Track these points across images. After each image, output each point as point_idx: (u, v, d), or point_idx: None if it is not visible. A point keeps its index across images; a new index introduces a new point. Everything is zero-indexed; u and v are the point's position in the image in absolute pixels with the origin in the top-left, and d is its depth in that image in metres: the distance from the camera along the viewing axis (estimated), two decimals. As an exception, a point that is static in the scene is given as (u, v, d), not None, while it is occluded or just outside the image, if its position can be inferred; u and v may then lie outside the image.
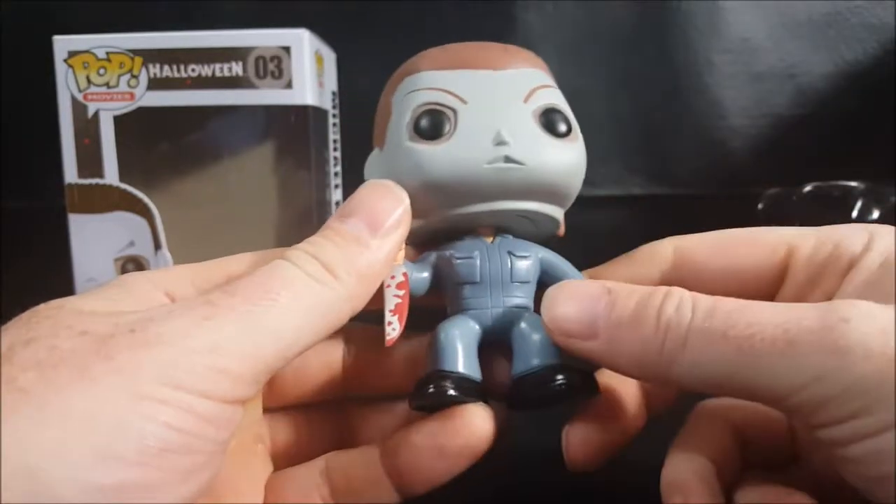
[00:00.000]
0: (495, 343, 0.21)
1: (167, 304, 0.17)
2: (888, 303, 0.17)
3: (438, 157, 0.20)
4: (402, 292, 0.21)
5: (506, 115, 0.21)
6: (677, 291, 0.18)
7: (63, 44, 0.38)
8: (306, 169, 0.39)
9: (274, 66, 0.37)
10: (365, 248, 0.19)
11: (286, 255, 0.18)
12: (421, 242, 0.23)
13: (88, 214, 0.39)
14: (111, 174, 0.39)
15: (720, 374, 0.17)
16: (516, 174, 0.21)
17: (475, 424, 0.20)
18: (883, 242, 0.19)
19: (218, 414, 0.16)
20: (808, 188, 0.56)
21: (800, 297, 0.21)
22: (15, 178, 0.70)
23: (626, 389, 0.23)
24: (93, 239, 0.39)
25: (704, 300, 0.18)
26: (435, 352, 0.21)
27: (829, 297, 0.20)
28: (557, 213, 0.23)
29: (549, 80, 0.23)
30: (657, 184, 0.73)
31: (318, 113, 0.40)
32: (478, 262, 0.22)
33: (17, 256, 0.53)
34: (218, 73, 0.38)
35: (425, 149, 0.21)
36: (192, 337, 0.16)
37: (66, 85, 0.38)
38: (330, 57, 0.43)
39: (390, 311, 0.20)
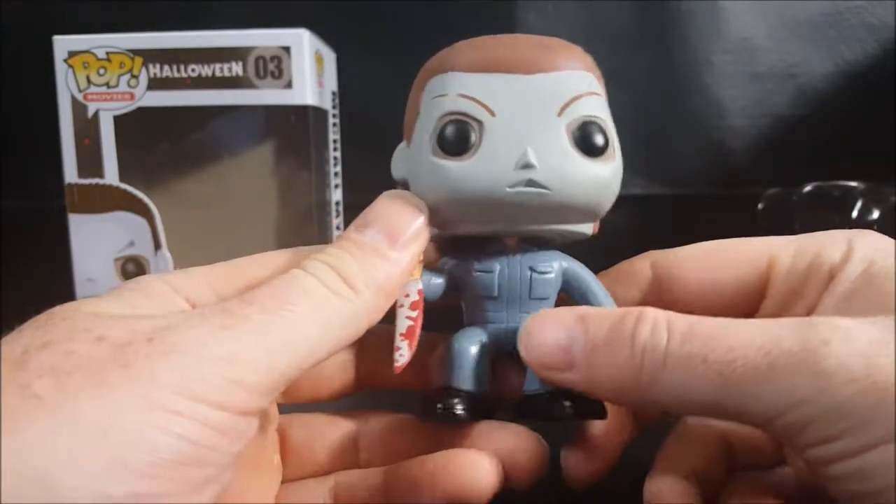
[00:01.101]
0: (509, 354, 0.21)
1: (185, 311, 0.17)
2: (870, 314, 0.17)
3: (460, 175, 0.19)
4: (415, 313, 0.20)
5: (535, 131, 0.19)
6: (650, 313, 0.18)
7: (63, 44, 0.38)
8: (306, 169, 0.39)
9: (274, 66, 0.37)
10: (384, 261, 0.19)
11: (304, 266, 0.18)
12: (442, 244, 0.23)
13: (88, 214, 0.39)
14: (111, 174, 0.39)
15: (702, 399, 0.17)
16: (538, 199, 0.19)
17: (474, 476, 0.20)
18: (862, 251, 0.19)
19: (232, 426, 0.16)
20: (808, 188, 0.56)
21: (782, 309, 0.21)
22: (15, 178, 0.70)
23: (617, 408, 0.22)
24: (93, 239, 0.39)
25: (680, 322, 0.17)
26: (448, 365, 0.21)
27: (812, 309, 0.20)
28: (586, 228, 0.22)
29: (591, 83, 0.21)
30: (657, 184, 0.73)
31: (318, 113, 0.40)
32: (496, 276, 0.21)
33: (16, 256, 0.53)
34: (218, 73, 0.38)
35: (447, 165, 0.20)
36: (209, 346, 0.16)
37: (66, 85, 0.38)
38: (330, 57, 0.43)
39: (401, 334, 0.20)
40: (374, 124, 0.63)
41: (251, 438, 0.17)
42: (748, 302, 0.21)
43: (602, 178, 0.20)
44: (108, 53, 0.38)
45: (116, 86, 0.38)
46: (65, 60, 0.38)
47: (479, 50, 0.21)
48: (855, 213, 0.51)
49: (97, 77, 0.38)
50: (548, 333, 0.19)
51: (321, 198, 0.41)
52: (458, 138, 0.20)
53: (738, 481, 0.21)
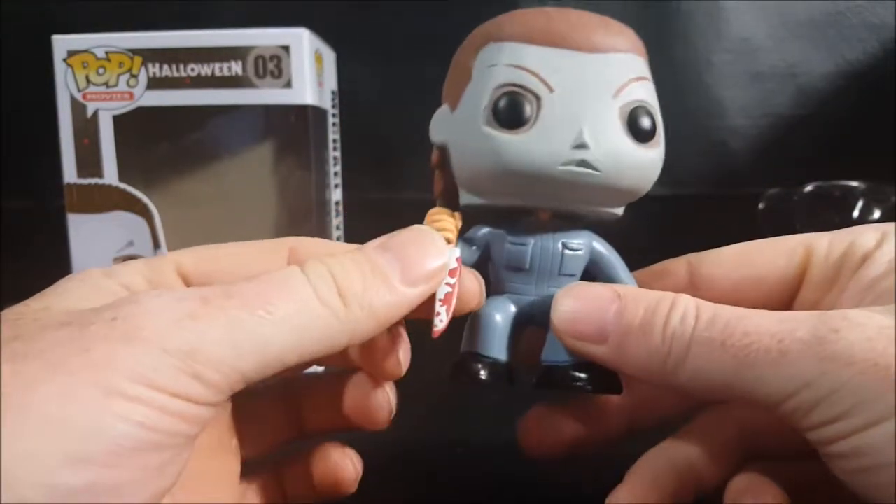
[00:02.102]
0: (531, 324, 0.22)
1: (159, 292, 0.17)
2: (886, 302, 0.17)
3: (513, 149, 0.19)
4: (453, 280, 0.20)
5: (592, 110, 0.19)
6: (683, 300, 0.19)
7: (62, 43, 0.38)
8: (306, 169, 0.39)
9: (273, 66, 0.37)
10: (389, 290, 0.18)
11: (305, 266, 0.18)
12: (475, 213, 0.22)
13: (87, 214, 0.39)
14: (110, 174, 0.39)
15: (720, 382, 0.18)
16: (588, 179, 0.20)
17: (340, 474, 0.22)
18: (892, 242, 0.20)
19: (191, 412, 0.16)
20: (808, 188, 0.56)
21: (818, 299, 0.21)
22: (14, 178, 0.69)
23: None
24: (92, 239, 0.39)
25: (707, 309, 0.18)
26: (474, 331, 0.22)
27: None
28: (620, 210, 0.22)
29: (644, 69, 0.21)
30: (657, 184, 0.73)
31: (318, 112, 0.40)
32: (530, 249, 0.21)
33: (16, 256, 0.53)
34: (217, 73, 0.38)
35: (501, 137, 0.19)
36: (172, 336, 0.15)
37: (66, 84, 0.38)
38: (330, 57, 0.43)
39: (440, 300, 0.20)
40: (373, 124, 0.63)
41: (211, 421, 0.17)
42: (785, 295, 0.22)
43: (648, 163, 0.20)
44: (107, 53, 0.38)
45: (116, 85, 0.38)
46: (64, 60, 0.38)
47: (540, 20, 0.20)
48: (856, 213, 0.51)
49: (96, 77, 0.38)
50: (583, 305, 0.20)
51: (321, 197, 0.41)
52: (514, 111, 0.19)
53: (748, 470, 0.21)
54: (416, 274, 0.19)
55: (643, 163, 0.20)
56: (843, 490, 0.17)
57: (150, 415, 0.15)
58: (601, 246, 0.22)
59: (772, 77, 0.70)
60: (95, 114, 0.39)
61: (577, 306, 0.20)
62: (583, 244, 0.22)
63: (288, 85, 0.37)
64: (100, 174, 0.39)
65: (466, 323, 0.22)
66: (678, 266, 0.23)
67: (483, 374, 0.21)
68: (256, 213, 0.39)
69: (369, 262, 0.18)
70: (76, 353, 0.15)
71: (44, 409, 0.14)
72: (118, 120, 0.38)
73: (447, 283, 0.20)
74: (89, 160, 0.39)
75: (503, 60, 0.20)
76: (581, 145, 0.19)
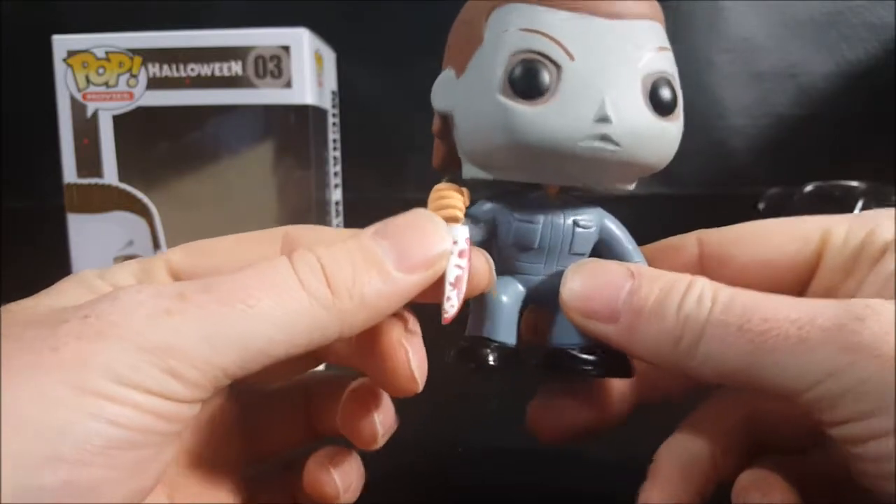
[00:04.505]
0: (539, 305, 0.21)
1: (134, 287, 0.16)
2: None
3: (530, 121, 0.18)
4: (463, 261, 0.19)
5: (614, 81, 0.18)
6: (699, 282, 0.18)
7: (62, 43, 0.38)
8: (306, 169, 0.39)
9: (273, 66, 0.37)
10: (383, 277, 0.17)
11: (293, 256, 0.17)
12: (481, 186, 0.21)
13: (87, 214, 0.39)
14: (110, 174, 0.39)
15: (735, 368, 0.17)
16: (608, 155, 0.18)
17: (321, 490, 0.21)
18: None
19: (168, 410, 0.15)
20: (808, 188, 0.56)
21: (832, 286, 0.20)
22: (14, 178, 0.69)
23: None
24: (92, 239, 0.39)
25: (724, 292, 0.18)
26: (481, 314, 0.21)
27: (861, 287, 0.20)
28: (633, 185, 0.21)
29: (665, 38, 0.20)
30: (657, 184, 0.73)
31: (318, 112, 0.40)
32: (540, 227, 0.20)
33: (15, 256, 0.53)
34: (217, 73, 0.37)
35: (518, 109, 0.18)
36: (146, 333, 0.15)
37: (66, 84, 0.38)
38: (330, 57, 0.43)
39: (450, 283, 0.18)
40: (374, 124, 0.63)
41: (194, 417, 0.16)
42: (798, 280, 0.21)
43: (669, 137, 0.19)
44: (107, 53, 0.38)
45: (115, 85, 0.38)
46: (64, 60, 0.38)
47: None
48: (856, 213, 0.51)
49: (96, 76, 0.38)
50: (595, 282, 0.19)
51: (321, 197, 0.41)
52: (532, 80, 0.18)
53: (757, 464, 0.21)
54: (413, 260, 0.18)
55: (663, 137, 0.19)
56: (852, 484, 0.17)
57: (124, 412, 0.14)
58: (611, 223, 0.21)
59: (772, 77, 0.70)
60: (95, 114, 0.38)
61: (588, 283, 0.19)
62: (593, 221, 0.21)
63: (288, 85, 0.37)
64: (99, 174, 0.39)
65: (471, 305, 0.21)
66: (688, 242, 0.22)
67: (492, 358, 0.20)
68: (256, 213, 0.39)
69: (362, 249, 0.17)
70: (47, 352, 0.14)
71: (15, 410, 0.13)
72: (118, 120, 0.38)
73: (457, 266, 0.18)
74: (89, 160, 0.39)
75: (520, 24, 0.18)
76: (604, 118, 0.18)
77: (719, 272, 0.21)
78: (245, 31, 0.37)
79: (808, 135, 0.70)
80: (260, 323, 0.16)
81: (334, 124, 0.44)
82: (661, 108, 0.19)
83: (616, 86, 0.18)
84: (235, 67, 0.37)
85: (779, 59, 0.70)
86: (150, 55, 0.38)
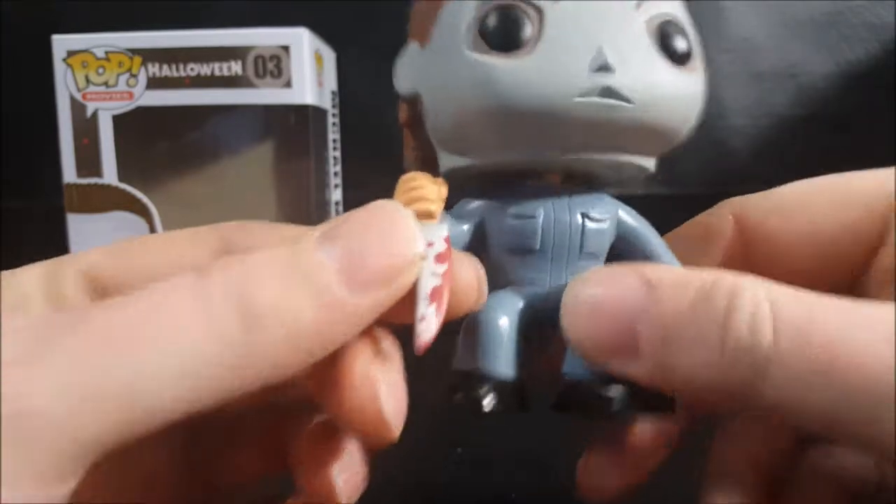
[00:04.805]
0: (545, 324, 0.16)
1: None
2: None
3: (511, 77, 0.14)
4: (442, 268, 0.14)
5: (611, 25, 0.15)
6: (747, 290, 0.13)
7: (62, 43, 0.38)
8: (306, 169, 0.39)
9: (273, 66, 0.37)
10: (321, 301, 0.12)
11: (205, 271, 0.12)
12: (462, 181, 0.17)
13: (87, 214, 0.39)
14: (110, 174, 0.39)
15: (821, 417, 0.12)
16: (616, 115, 0.15)
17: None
18: None
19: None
20: (808, 188, 0.56)
21: None
22: (14, 178, 0.69)
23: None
24: (91, 239, 0.39)
25: (790, 309, 0.12)
26: (471, 340, 0.16)
27: None
28: (651, 162, 0.17)
29: None
30: (657, 184, 0.73)
31: (318, 112, 0.40)
32: (540, 223, 0.16)
33: (15, 256, 0.53)
34: (217, 73, 0.37)
35: (493, 63, 0.14)
36: None
37: (65, 84, 0.38)
38: (330, 57, 0.43)
39: (426, 297, 0.14)
40: (374, 124, 0.63)
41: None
42: (861, 253, 0.17)
43: (692, 91, 0.16)
44: (106, 53, 0.38)
45: (115, 85, 0.38)
46: (63, 60, 0.38)
47: None
48: None
49: (96, 76, 0.38)
50: (603, 303, 0.14)
51: (321, 197, 0.41)
52: (509, 28, 0.14)
53: (805, 469, 0.17)
54: (368, 273, 0.13)
55: (685, 90, 0.15)
56: None
57: None
58: (628, 215, 0.17)
59: (772, 77, 0.70)
60: (95, 114, 0.38)
61: (591, 303, 0.14)
62: (607, 212, 0.16)
63: (288, 85, 0.37)
64: (99, 174, 0.39)
65: (461, 328, 0.17)
66: (722, 223, 0.18)
67: (487, 400, 0.15)
68: (256, 213, 0.39)
69: (298, 259, 0.13)
70: None
71: None
72: (118, 120, 0.38)
73: (435, 274, 0.14)
74: (89, 160, 0.39)
75: None
76: (603, 66, 0.14)
77: (763, 252, 0.17)
78: (245, 30, 0.37)
79: (808, 135, 0.70)
80: (146, 373, 0.11)
81: (334, 124, 0.44)
82: (676, 56, 0.15)
83: (613, 28, 0.15)
84: (235, 67, 0.37)
85: (779, 59, 0.70)
86: (149, 55, 0.38)
